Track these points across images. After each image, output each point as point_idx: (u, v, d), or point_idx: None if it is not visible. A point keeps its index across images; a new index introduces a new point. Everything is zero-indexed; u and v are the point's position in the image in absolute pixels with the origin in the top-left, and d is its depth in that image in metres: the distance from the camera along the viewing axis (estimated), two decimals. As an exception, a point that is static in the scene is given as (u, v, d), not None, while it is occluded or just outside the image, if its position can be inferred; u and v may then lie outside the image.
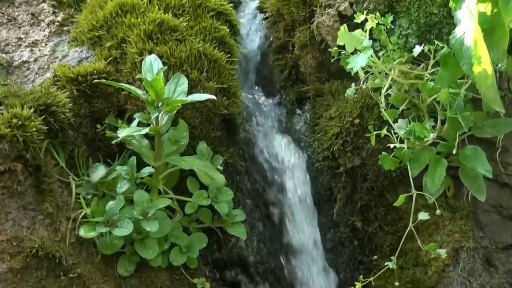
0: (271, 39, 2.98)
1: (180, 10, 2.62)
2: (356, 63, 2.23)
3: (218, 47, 2.59)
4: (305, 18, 2.74)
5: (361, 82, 2.42)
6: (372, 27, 2.25)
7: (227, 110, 2.52)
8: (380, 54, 2.33)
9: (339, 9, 2.56)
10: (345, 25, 2.32)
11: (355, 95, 2.50)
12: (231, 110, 2.54)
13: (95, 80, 2.33)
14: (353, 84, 2.46)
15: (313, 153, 2.68)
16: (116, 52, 2.50)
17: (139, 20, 2.52)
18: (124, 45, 2.50)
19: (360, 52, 2.24)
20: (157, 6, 2.59)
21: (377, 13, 2.27)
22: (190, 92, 2.33)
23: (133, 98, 2.41)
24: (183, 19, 2.58)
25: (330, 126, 2.60)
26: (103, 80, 2.31)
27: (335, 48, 2.31)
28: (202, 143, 2.46)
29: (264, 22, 3.00)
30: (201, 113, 2.48)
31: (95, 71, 2.41)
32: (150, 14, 2.54)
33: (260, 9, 3.03)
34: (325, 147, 2.61)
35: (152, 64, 2.30)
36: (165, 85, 2.25)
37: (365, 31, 2.26)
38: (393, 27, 2.33)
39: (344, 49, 2.29)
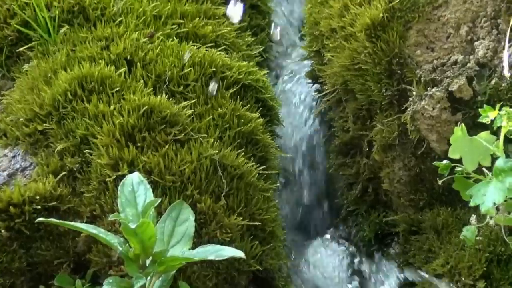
0: (332, 130, 3.00)
1: (181, 87, 2.65)
2: (486, 199, 2.17)
3: (246, 150, 2.62)
4: (391, 101, 2.75)
5: (488, 217, 2.42)
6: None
7: (260, 264, 2.53)
8: (518, 167, 2.33)
9: (449, 89, 2.56)
10: (462, 124, 2.30)
11: (478, 238, 2.46)
12: (268, 263, 2.56)
13: (38, 219, 2.29)
14: (473, 217, 2.51)
15: (406, 337, 2.69)
16: (72, 161, 2.51)
17: (112, 106, 2.54)
18: (86, 149, 2.52)
19: (490, 176, 2.19)
20: (142, 81, 2.63)
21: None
22: (198, 233, 2.34)
23: (100, 243, 2.39)
24: (186, 103, 2.60)
25: (437, 289, 2.58)
26: (52, 219, 2.25)
27: (445, 162, 2.29)
28: (220, 324, 2.44)
29: (319, 101, 3.04)
30: (217, 270, 2.47)
31: (37, 196, 2.42)
32: (131, 95, 2.56)
33: (313, 78, 3.08)
34: (430, 328, 2.60)
35: (136, 191, 2.28)
36: (156, 223, 2.22)
37: (496, 133, 2.24)
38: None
39: (460, 163, 2.26)
